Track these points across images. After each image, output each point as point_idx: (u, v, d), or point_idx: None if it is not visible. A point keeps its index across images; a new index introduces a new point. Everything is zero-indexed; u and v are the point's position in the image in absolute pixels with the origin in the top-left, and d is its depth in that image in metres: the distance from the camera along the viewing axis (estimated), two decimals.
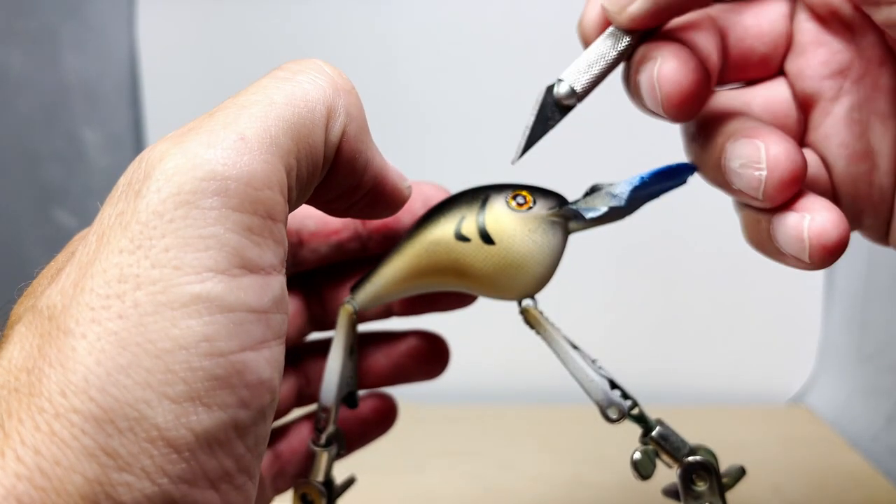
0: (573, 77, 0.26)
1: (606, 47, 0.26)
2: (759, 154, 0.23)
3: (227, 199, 0.19)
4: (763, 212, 0.25)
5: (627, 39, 0.26)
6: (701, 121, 0.27)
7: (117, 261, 0.18)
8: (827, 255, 0.23)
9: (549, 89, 0.26)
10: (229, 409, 0.18)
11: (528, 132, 0.26)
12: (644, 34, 0.26)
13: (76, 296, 0.18)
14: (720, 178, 0.25)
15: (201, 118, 0.20)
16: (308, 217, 0.30)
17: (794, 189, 0.24)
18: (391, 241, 0.30)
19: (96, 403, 0.17)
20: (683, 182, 0.26)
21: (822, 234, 0.23)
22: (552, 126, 0.26)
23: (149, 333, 0.18)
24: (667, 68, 0.24)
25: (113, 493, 0.17)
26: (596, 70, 0.26)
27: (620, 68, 0.27)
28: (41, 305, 0.19)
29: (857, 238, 0.28)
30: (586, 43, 0.27)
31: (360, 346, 0.31)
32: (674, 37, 0.26)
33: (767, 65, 0.28)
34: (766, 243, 0.25)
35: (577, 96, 0.26)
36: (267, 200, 0.19)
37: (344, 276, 0.31)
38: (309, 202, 0.23)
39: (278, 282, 0.20)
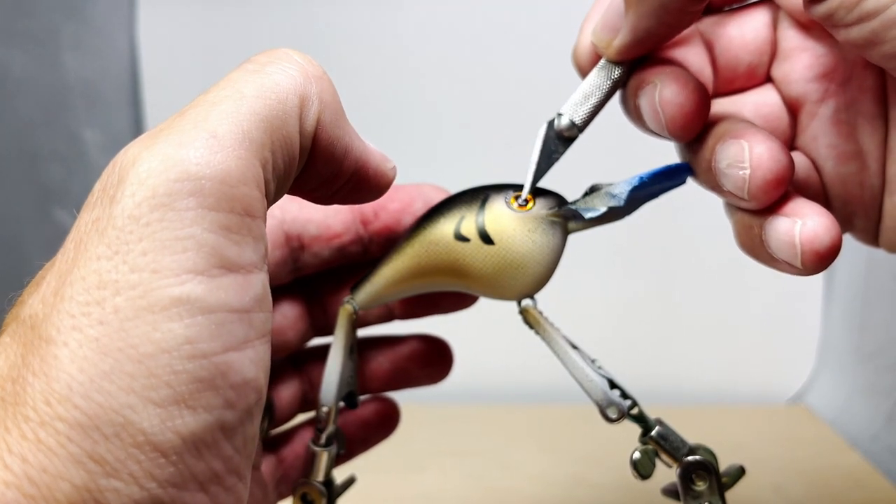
0: (572, 110, 0.26)
1: (601, 78, 0.26)
2: (744, 153, 0.23)
3: (203, 199, 0.18)
4: (752, 214, 0.25)
5: (619, 69, 0.26)
6: None
7: (96, 267, 0.18)
8: (819, 260, 0.23)
9: (550, 124, 0.27)
10: (215, 411, 0.18)
11: (533, 167, 0.27)
12: (635, 61, 0.26)
13: (56, 304, 0.18)
14: (712, 181, 0.25)
15: (172, 118, 0.20)
16: (310, 221, 0.30)
17: (779, 189, 0.23)
18: (393, 244, 0.30)
19: (81, 411, 0.17)
20: (682, 182, 0.26)
21: (814, 240, 0.23)
22: (556, 159, 0.27)
23: (130, 338, 0.18)
24: (668, 92, 0.24)
25: (101, 500, 0.17)
26: (593, 101, 0.26)
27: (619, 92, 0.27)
28: (23, 315, 0.19)
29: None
30: (581, 72, 0.28)
31: (363, 350, 0.31)
32: (668, 58, 0.26)
33: (754, 74, 0.28)
34: (758, 249, 0.25)
35: (578, 127, 0.26)
36: (243, 197, 0.19)
37: (346, 280, 0.31)
38: (291, 192, 0.23)
39: (260, 279, 0.20)
